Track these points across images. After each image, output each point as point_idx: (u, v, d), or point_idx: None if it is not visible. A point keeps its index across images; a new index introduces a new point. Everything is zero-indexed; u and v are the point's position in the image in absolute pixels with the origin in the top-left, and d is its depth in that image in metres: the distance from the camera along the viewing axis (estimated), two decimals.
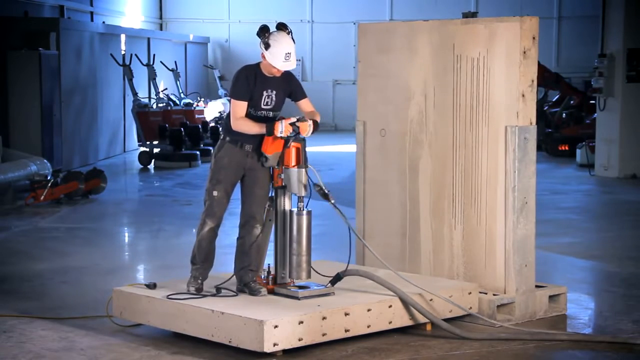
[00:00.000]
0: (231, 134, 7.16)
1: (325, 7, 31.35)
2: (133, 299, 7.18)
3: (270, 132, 7.01)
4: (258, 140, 7.13)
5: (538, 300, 7.60)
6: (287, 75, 7.22)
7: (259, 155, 7.13)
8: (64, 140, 18.44)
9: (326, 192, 7.04)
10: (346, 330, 6.75)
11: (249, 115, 7.12)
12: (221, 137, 7.25)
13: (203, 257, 7.23)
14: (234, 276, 7.26)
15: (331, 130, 30.38)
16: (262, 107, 7.14)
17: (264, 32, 7.03)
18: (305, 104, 7.33)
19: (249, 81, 7.08)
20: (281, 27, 7.12)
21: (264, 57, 7.06)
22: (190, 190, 15.96)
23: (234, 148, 7.16)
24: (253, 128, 7.07)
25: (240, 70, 7.19)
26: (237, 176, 7.20)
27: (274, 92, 7.15)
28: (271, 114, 7.18)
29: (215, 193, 7.15)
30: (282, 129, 7.00)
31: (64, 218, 13.04)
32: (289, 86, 7.24)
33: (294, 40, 7.10)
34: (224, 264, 8.19)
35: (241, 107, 7.09)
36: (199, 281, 7.18)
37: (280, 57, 7.01)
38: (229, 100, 7.25)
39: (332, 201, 7.09)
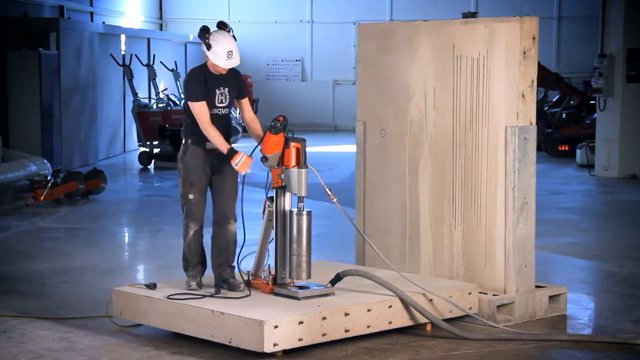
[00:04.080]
0: (192, 136, 7.23)
1: (325, 7, 31.35)
2: (133, 299, 7.18)
3: (229, 157, 7.07)
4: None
5: (538, 300, 7.60)
6: (235, 72, 7.31)
7: (220, 152, 7.16)
8: (64, 140, 18.44)
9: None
10: (346, 331, 6.75)
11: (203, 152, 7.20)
12: (183, 142, 7.30)
13: (195, 260, 7.27)
14: (213, 273, 7.32)
15: (331, 130, 30.39)
16: (217, 104, 7.21)
17: (204, 33, 7.10)
18: (245, 104, 7.42)
19: (200, 82, 7.14)
20: (221, 25, 7.22)
21: (207, 57, 7.13)
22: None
23: (197, 149, 7.23)
24: (218, 142, 7.10)
25: (188, 73, 7.26)
26: (207, 175, 7.27)
27: (226, 89, 7.23)
28: (227, 110, 7.27)
29: (191, 196, 7.22)
30: (239, 162, 7.05)
31: (64, 218, 13.04)
32: (238, 82, 7.32)
33: (235, 37, 7.19)
34: None
35: (201, 108, 7.13)
36: (198, 278, 7.23)
37: (222, 56, 7.09)
38: (185, 105, 7.27)
39: (334, 199, 7.11)
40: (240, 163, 7.06)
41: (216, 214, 7.30)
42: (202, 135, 7.16)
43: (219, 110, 7.21)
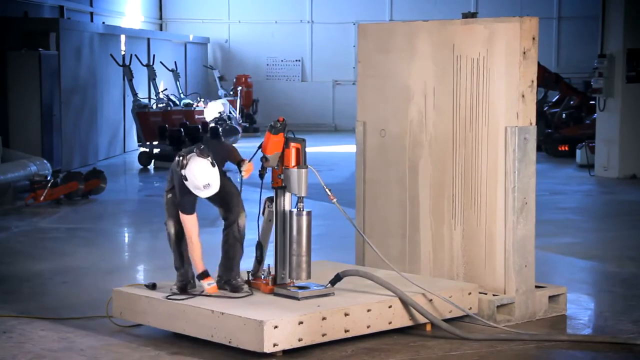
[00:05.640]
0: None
1: (325, 7, 31.36)
2: (133, 299, 7.18)
3: (200, 279, 7.08)
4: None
5: (538, 300, 7.60)
6: (219, 149, 7.10)
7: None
8: (63, 140, 18.44)
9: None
10: (346, 331, 6.75)
11: None
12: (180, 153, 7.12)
13: (180, 262, 7.24)
14: (218, 271, 7.30)
15: (331, 130, 30.39)
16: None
17: (180, 161, 6.88)
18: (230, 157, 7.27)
19: (192, 194, 6.96)
20: (200, 154, 6.89)
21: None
22: None
23: None
24: (196, 259, 7.05)
25: (179, 180, 6.96)
26: None
27: None
28: None
29: (169, 195, 7.17)
30: (208, 286, 7.02)
31: (64, 218, 13.04)
32: (222, 158, 7.11)
33: (213, 163, 6.89)
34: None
35: (192, 221, 7.03)
36: (184, 282, 7.20)
37: (199, 188, 6.91)
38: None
39: (334, 199, 7.11)
40: (208, 287, 7.04)
41: (224, 213, 7.24)
42: None
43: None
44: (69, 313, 7.68)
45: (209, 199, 7.20)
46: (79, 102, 19.69)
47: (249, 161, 7.17)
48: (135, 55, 21.76)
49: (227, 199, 7.22)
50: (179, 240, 7.20)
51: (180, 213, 7.08)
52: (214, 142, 7.29)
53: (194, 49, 29.35)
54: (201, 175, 6.89)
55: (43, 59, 17.41)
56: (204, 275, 7.08)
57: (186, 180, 6.91)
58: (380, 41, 8.28)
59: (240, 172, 7.13)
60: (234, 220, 7.21)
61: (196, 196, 7.02)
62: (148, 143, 19.99)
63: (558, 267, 9.82)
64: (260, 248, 7.31)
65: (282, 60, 31.36)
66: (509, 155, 7.47)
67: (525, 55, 7.43)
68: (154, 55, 22.92)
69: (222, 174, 7.09)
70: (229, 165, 7.23)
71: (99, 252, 10.67)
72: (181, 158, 6.94)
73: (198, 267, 7.09)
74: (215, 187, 6.96)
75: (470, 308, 7.34)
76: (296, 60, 31.38)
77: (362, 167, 8.41)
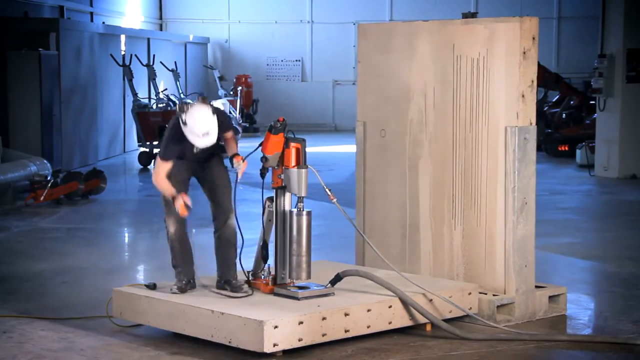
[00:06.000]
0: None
1: (325, 7, 31.36)
2: (133, 299, 7.18)
3: (174, 200, 7.02)
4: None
5: (538, 300, 7.60)
6: (221, 114, 7.07)
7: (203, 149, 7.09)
8: (63, 140, 18.44)
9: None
10: (346, 331, 6.75)
11: (184, 160, 7.09)
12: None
13: (181, 259, 7.22)
14: (216, 272, 7.28)
15: (331, 130, 30.39)
16: (194, 152, 7.09)
17: (182, 107, 6.93)
18: (227, 137, 7.22)
19: (179, 141, 6.97)
20: (202, 100, 6.98)
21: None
22: (190, 191, 15.93)
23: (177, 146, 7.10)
24: (167, 191, 7.03)
25: (172, 127, 7.04)
26: (187, 172, 7.17)
27: None
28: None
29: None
30: (177, 206, 6.97)
31: (64, 218, 13.04)
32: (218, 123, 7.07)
33: (215, 112, 6.93)
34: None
35: (164, 166, 7.04)
36: (183, 282, 7.18)
37: (197, 135, 6.90)
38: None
39: (334, 199, 7.11)
40: (178, 206, 6.99)
41: (213, 212, 7.27)
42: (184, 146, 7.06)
43: (197, 155, 7.12)
44: (69, 313, 7.68)
45: (200, 179, 7.19)
46: (79, 102, 19.69)
47: (245, 159, 7.14)
48: (135, 55, 21.75)
49: (218, 193, 7.20)
50: (179, 238, 7.20)
51: (157, 158, 7.05)
52: (222, 112, 7.25)
53: (194, 49, 29.34)
54: (201, 121, 6.89)
55: (43, 59, 17.41)
56: (176, 197, 6.99)
57: (185, 125, 6.89)
58: (380, 41, 8.28)
59: (232, 166, 7.12)
60: (225, 221, 7.22)
61: (184, 148, 6.96)
62: (148, 143, 19.98)
63: (558, 267, 9.82)
64: (266, 248, 7.30)
65: (282, 60, 31.35)
66: (509, 155, 7.47)
67: (525, 55, 7.43)
68: (154, 55, 22.91)
69: (221, 160, 7.09)
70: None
71: (99, 252, 10.67)
72: (184, 104, 6.95)
73: (169, 193, 7.01)
74: (213, 137, 6.93)
75: (470, 308, 7.34)
76: (296, 60, 31.37)
77: (362, 167, 8.41)
